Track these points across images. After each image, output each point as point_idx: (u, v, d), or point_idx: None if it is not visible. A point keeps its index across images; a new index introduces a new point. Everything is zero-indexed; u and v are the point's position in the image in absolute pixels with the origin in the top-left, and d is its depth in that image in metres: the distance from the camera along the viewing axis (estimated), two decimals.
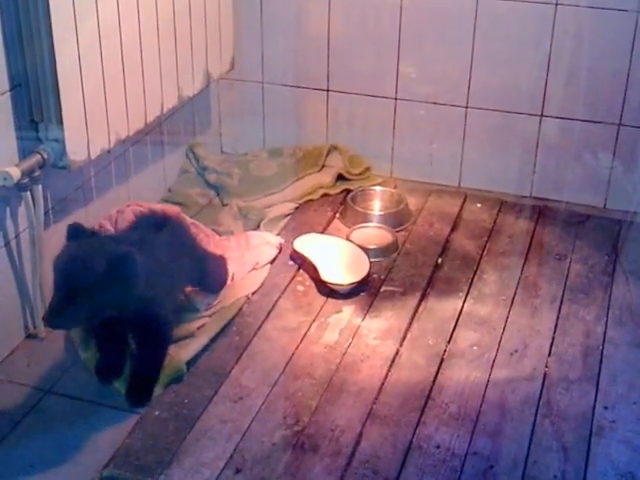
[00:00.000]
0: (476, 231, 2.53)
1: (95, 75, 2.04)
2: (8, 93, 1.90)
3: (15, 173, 1.89)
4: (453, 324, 2.15)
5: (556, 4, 2.46)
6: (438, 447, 1.79)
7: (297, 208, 2.62)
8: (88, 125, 2.03)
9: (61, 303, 1.68)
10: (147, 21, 2.21)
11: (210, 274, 2.16)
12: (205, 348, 2.04)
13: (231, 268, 2.28)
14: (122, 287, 1.71)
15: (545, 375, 1.99)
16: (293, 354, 2.04)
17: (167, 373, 1.94)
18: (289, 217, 2.59)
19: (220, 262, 2.21)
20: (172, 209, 2.33)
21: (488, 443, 1.80)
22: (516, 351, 2.06)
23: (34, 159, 1.95)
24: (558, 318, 2.17)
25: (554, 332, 2.12)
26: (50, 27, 1.85)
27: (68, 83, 1.93)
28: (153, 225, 1.97)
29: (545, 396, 1.92)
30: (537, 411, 1.88)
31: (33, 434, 1.83)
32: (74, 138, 1.98)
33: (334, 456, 1.76)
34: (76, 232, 1.77)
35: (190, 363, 1.99)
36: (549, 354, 2.05)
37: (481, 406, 1.89)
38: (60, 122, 1.94)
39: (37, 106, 1.95)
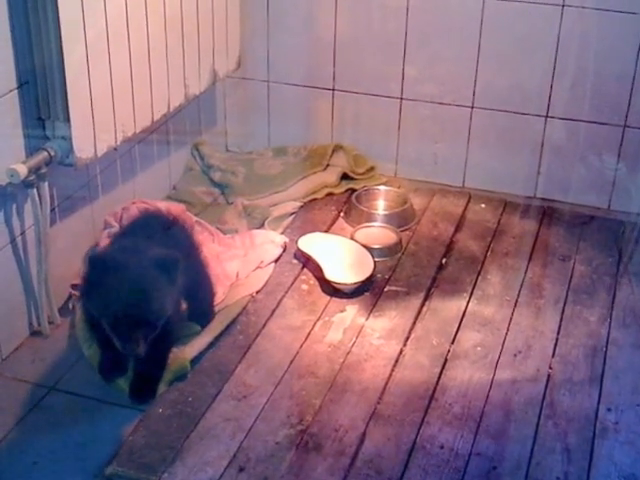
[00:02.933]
0: (480, 231, 2.53)
1: (102, 73, 2.04)
2: (16, 90, 1.90)
3: (22, 170, 1.90)
4: (457, 324, 2.15)
5: (563, 5, 2.45)
6: (442, 447, 1.79)
7: (302, 207, 2.62)
8: (95, 123, 2.03)
9: (139, 323, 1.70)
10: (154, 20, 2.21)
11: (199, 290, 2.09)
12: (209, 346, 2.04)
13: (235, 266, 2.28)
14: (172, 288, 1.76)
15: (549, 376, 1.99)
16: (297, 353, 2.04)
17: (171, 371, 1.94)
18: (293, 216, 2.59)
19: (208, 288, 2.13)
20: (177, 207, 2.33)
21: (491, 444, 1.80)
22: (520, 352, 2.06)
23: (41, 156, 1.95)
24: (562, 319, 2.17)
25: (558, 333, 2.12)
26: (58, 25, 1.85)
27: (75, 81, 1.94)
28: (157, 223, 1.97)
29: (548, 397, 1.92)
30: (540, 412, 1.88)
31: (37, 431, 1.84)
32: (81, 135, 1.98)
33: (337, 455, 1.76)
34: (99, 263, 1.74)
35: (194, 361, 1.99)
36: (553, 355, 2.05)
37: (484, 407, 1.89)
38: (67, 119, 1.95)
39: (44, 103, 1.95)
